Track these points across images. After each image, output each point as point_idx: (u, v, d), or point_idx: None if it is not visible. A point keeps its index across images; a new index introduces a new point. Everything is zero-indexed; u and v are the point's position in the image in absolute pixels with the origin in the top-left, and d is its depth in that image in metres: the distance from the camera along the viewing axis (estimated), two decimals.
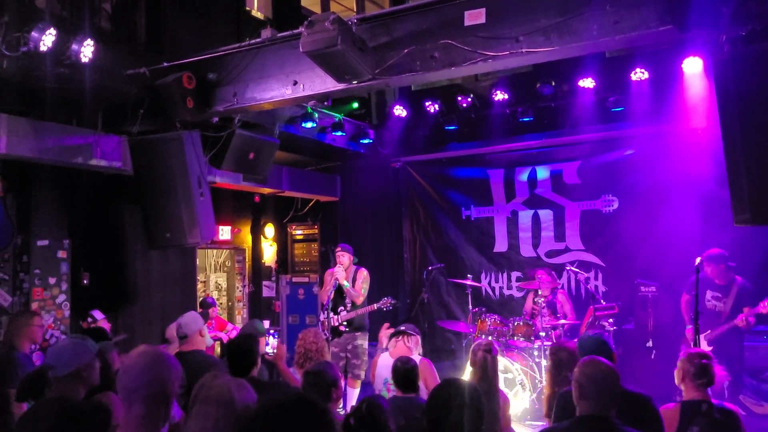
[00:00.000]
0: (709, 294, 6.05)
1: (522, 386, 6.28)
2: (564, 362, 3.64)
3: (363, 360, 6.59)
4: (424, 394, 4.22)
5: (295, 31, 4.84)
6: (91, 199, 6.49)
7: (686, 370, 3.37)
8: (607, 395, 2.62)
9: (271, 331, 4.75)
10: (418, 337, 4.76)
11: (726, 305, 5.98)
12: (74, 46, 4.78)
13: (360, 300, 6.69)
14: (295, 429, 1.54)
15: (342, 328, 6.58)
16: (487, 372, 3.62)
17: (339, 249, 6.84)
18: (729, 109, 3.71)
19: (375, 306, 6.72)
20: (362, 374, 6.58)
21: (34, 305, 5.86)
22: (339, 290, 6.69)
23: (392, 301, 6.73)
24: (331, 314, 6.69)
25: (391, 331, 5.04)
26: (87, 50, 4.84)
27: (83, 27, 4.97)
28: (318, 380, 3.25)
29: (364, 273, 6.84)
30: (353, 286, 6.72)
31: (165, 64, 5.51)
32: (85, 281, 6.37)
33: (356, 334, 6.64)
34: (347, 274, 6.72)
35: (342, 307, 6.65)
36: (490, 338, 6.76)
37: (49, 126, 5.51)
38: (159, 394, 2.07)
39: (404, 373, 3.76)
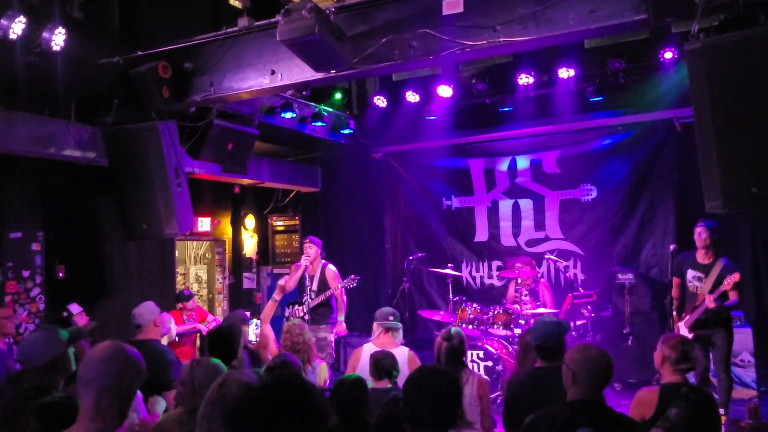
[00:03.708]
0: (689, 274, 5.73)
1: (501, 374, 6.33)
2: (530, 346, 3.71)
3: (327, 353, 6.59)
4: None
5: (272, 20, 4.80)
6: (66, 191, 6.40)
7: (667, 355, 3.42)
8: (597, 379, 2.66)
9: (254, 320, 4.75)
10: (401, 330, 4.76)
11: (705, 285, 5.56)
12: (45, 35, 4.68)
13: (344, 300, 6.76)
14: (287, 408, 1.52)
15: (306, 317, 6.55)
16: (439, 359, 3.69)
17: (307, 241, 6.87)
18: (701, 97, 3.75)
19: (339, 286, 6.69)
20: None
21: (8, 299, 5.79)
22: (302, 282, 6.69)
23: (356, 278, 6.67)
24: (296, 306, 6.71)
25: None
26: (58, 38, 4.75)
27: (54, 15, 4.86)
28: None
29: (332, 271, 6.81)
30: (319, 283, 6.74)
31: (140, 53, 5.43)
32: (60, 274, 6.28)
33: (320, 326, 6.62)
34: (313, 267, 6.73)
35: (305, 295, 6.63)
36: (469, 326, 6.82)
37: (21, 116, 5.41)
38: (111, 388, 2.02)
39: (384, 362, 3.78)
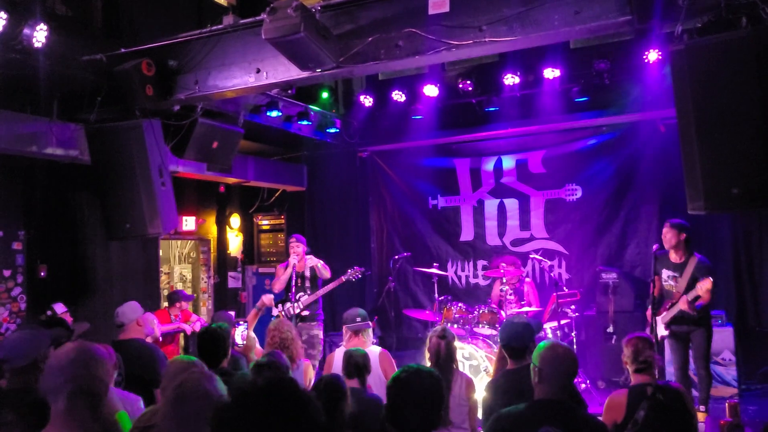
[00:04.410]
0: (665, 273, 5.69)
1: (486, 373, 6.34)
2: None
3: (319, 350, 6.61)
4: (382, 385, 4.24)
5: (258, 18, 4.77)
6: (48, 189, 6.32)
7: (623, 356, 3.48)
8: (563, 379, 2.67)
9: (241, 322, 4.72)
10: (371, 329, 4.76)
11: (680, 285, 5.51)
12: (26, 31, 4.63)
13: (329, 273, 6.70)
14: (278, 413, 1.47)
15: (304, 313, 6.58)
16: (440, 358, 3.68)
17: (293, 240, 6.84)
18: (684, 98, 3.79)
19: (343, 278, 6.66)
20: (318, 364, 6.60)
21: None
22: (291, 280, 6.67)
23: (360, 270, 6.66)
24: (288, 304, 6.67)
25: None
26: (40, 35, 4.69)
27: (35, 11, 4.81)
28: (271, 371, 3.23)
29: (315, 261, 6.81)
30: (311, 280, 6.73)
31: (123, 50, 5.38)
32: (42, 273, 6.21)
33: (311, 324, 6.64)
34: (301, 264, 6.71)
35: (302, 293, 6.62)
36: (454, 325, 6.83)
37: (2, 114, 5.34)
38: (83, 390, 2.01)
39: (356, 359, 3.77)
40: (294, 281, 6.61)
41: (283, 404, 1.47)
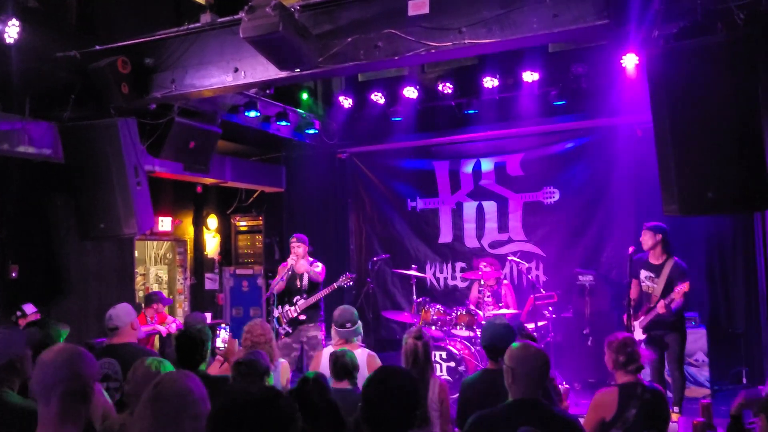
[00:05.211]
0: (643, 274, 5.81)
1: (464, 374, 6.36)
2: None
3: (320, 350, 6.54)
4: None
5: (236, 17, 4.74)
6: (20, 188, 6.18)
7: (615, 359, 3.49)
8: (535, 378, 2.70)
9: (223, 325, 4.65)
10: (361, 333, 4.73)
11: (658, 286, 5.67)
12: None
13: (321, 276, 6.63)
14: (266, 424, 1.54)
15: (301, 317, 6.52)
16: (417, 359, 3.65)
17: (294, 239, 6.73)
18: (660, 103, 3.85)
19: (335, 285, 6.60)
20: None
21: None
22: (291, 282, 6.60)
23: (351, 276, 6.64)
24: (287, 306, 6.60)
25: None
26: (12, 30, 4.61)
27: (7, 5, 4.71)
28: (250, 370, 3.20)
29: (319, 265, 6.76)
30: (309, 283, 6.63)
31: (98, 47, 5.31)
32: (13, 274, 6.08)
33: (309, 325, 6.57)
34: (300, 266, 6.64)
35: (298, 297, 6.57)
36: (432, 327, 6.84)
37: None
38: (76, 391, 2.00)
39: (343, 360, 3.73)
40: (292, 283, 6.56)
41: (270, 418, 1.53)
